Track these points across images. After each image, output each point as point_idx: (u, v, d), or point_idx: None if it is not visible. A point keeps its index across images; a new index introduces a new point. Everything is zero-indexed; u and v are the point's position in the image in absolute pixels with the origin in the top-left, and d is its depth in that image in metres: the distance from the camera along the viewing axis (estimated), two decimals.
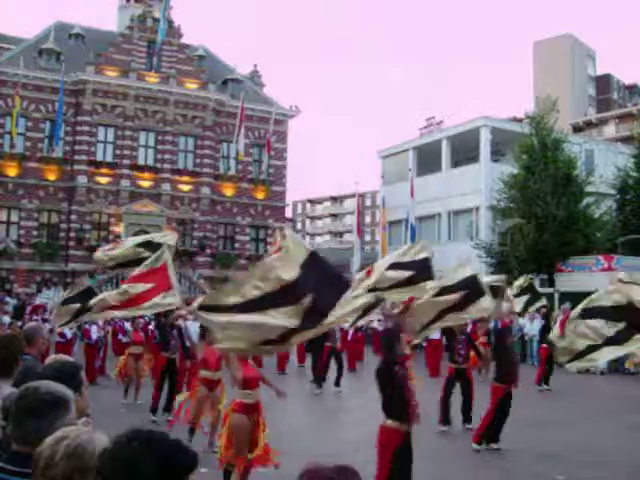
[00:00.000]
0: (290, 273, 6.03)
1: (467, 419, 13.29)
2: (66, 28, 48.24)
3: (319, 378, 18.89)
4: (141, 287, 10.14)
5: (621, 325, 8.15)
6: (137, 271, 10.49)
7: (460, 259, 12.78)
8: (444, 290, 9.59)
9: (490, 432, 11.41)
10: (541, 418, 13.91)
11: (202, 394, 11.20)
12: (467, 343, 13.46)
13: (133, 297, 10.11)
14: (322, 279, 6.14)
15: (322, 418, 15.49)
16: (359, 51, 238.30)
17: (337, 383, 19.03)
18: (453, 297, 9.52)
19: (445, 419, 13.16)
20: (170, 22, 46.95)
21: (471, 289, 9.71)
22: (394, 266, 9.49)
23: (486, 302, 9.78)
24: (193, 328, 13.95)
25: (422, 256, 9.50)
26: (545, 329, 21.31)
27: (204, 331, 12.03)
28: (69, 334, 19.70)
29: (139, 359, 16.58)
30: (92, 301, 10.47)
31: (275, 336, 6.07)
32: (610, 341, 8.23)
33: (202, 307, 6.29)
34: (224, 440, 8.32)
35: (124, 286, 10.39)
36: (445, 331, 14.37)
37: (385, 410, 7.01)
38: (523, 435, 12.01)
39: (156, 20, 46.12)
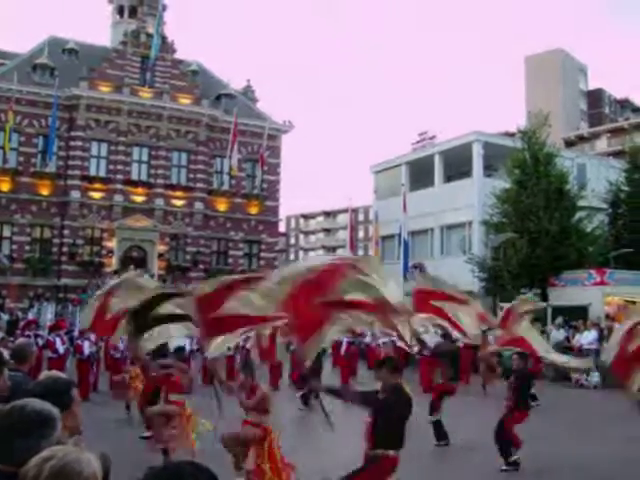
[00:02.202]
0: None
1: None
2: (60, 43, 48.33)
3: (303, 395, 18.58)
4: None
5: None
6: None
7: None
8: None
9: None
10: (528, 433, 13.88)
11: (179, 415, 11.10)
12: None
13: None
14: None
15: (309, 436, 15.44)
16: (352, 66, 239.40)
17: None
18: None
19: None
20: (163, 37, 47.10)
21: None
22: None
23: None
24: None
25: None
26: None
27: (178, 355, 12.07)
28: (62, 349, 19.65)
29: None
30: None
31: None
32: None
33: None
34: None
35: None
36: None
37: None
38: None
39: (150, 35, 46.26)
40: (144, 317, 8.29)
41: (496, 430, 11.33)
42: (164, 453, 10.96)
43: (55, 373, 4.47)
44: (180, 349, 13.45)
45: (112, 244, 44.49)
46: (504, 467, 11.22)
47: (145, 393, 14.39)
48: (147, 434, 13.43)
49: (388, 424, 6.92)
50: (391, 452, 6.86)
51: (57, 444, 2.73)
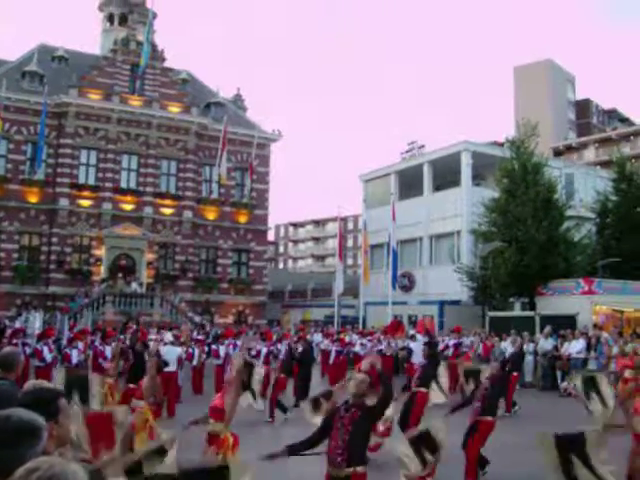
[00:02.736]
0: None
1: None
2: (50, 50, 48.30)
3: (281, 406, 18.36)
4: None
5: None
6: None
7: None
8: None
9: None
10: (513, 441, 13.89)
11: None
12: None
13: None
14: None
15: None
16: (342, 75, 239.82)
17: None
18: None
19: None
20: (153, 46, 47.01)
21: None
22: None
23: None
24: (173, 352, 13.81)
25: None
26: (517, 356, 21.18)
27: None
28: (49, 358, 19.52)
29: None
30: None
31: None
32: None
33: None
34: None
35: None
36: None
37: None
38: (494, 459, 11.96)
39: (140, 43, 46.20)
40: None
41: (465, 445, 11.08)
42: None
43: (40, 382, 4.44)
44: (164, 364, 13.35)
45: (101, 252, 44.32)
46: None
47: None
48: None
49: (365, 437, 6.81)
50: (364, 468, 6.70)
51: (43, 454, 2.71)
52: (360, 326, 37.25)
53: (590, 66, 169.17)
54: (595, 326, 27.20)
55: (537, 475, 11.53)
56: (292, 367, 19.40)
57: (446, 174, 43.26)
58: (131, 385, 13.98)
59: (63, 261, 43.06)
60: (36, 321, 30.47)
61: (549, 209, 33.65)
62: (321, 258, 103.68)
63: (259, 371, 12.34)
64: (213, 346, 23.51)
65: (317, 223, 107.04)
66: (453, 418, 11.19)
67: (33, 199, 43.46)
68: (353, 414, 6.70)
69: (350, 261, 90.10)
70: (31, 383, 4.36)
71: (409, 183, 46.02)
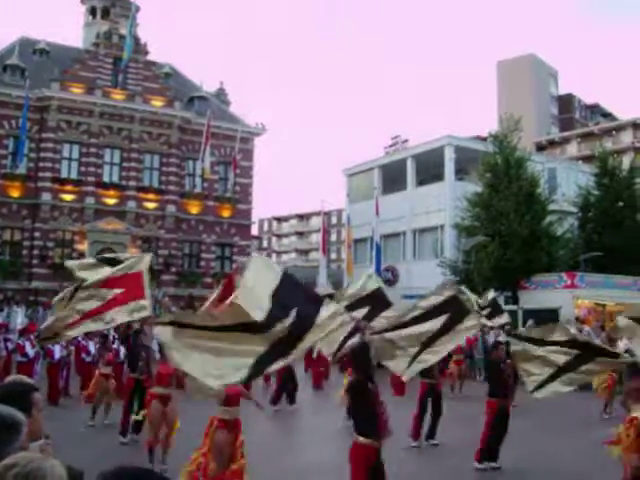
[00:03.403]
0: (256, 310, 5.66)
1: (432, 435, 13.48)
2: (31, 43, 47.91)
3: (274, 398, 18.51)
4: (109, 293, 9.19)
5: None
6: (105, 276, 9.37)
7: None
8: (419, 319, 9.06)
9: (490, 450, 11.53)
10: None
11: (157, 411, 11.11)
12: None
13: (94, 309, 9.14)
14: (295, 302, 5.77)
15: (287, 437, 15.44)
16: (325, 69, 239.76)
17: (292, 400, 18.88)
18: (433, 325, 8.81)
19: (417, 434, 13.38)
20: (136, 39, 46.78)
21: (453, 312, 9.04)
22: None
23: (471, 321, 9.05)
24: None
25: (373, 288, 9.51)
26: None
27: (161, 347, 11.98)
28: (32, 353, 19.40)
29: (108, 379, 16.27)
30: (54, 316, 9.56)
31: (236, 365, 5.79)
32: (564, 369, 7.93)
33: (171, 323, 6.03)
34: (206, 456, 8.39)
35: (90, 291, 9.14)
36: None
37: (356, 427, 6.93)
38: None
39: (122, 37, 45.97)
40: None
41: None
42: (150, 454, 11.05)
43: (18, 377, 4.41)
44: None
45: (83, 247, 44.06)
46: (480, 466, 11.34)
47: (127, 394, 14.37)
48: (125, 440, 13.37)
49: None
50: None
51: (21, 449, 2.69)
52: None
53: (573, 61, 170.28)
54: (577, 320, 27.37)
55: (528, 468, 11.63)
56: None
57: (429, 168, 43.32)
58: (132, 374, 14.23)
59: (46, 256, 42.81)
60: (18, 316, 30.32)
61: (532, 203, 33.77)
62: (305, 252, 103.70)
63: None
64: None
65: (301, 217, 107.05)
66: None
67: (15, 193, 43.16)
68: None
69: (334, 255, 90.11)
70: (11, 378, 4.34)
71: (392, 177, 46.05)
